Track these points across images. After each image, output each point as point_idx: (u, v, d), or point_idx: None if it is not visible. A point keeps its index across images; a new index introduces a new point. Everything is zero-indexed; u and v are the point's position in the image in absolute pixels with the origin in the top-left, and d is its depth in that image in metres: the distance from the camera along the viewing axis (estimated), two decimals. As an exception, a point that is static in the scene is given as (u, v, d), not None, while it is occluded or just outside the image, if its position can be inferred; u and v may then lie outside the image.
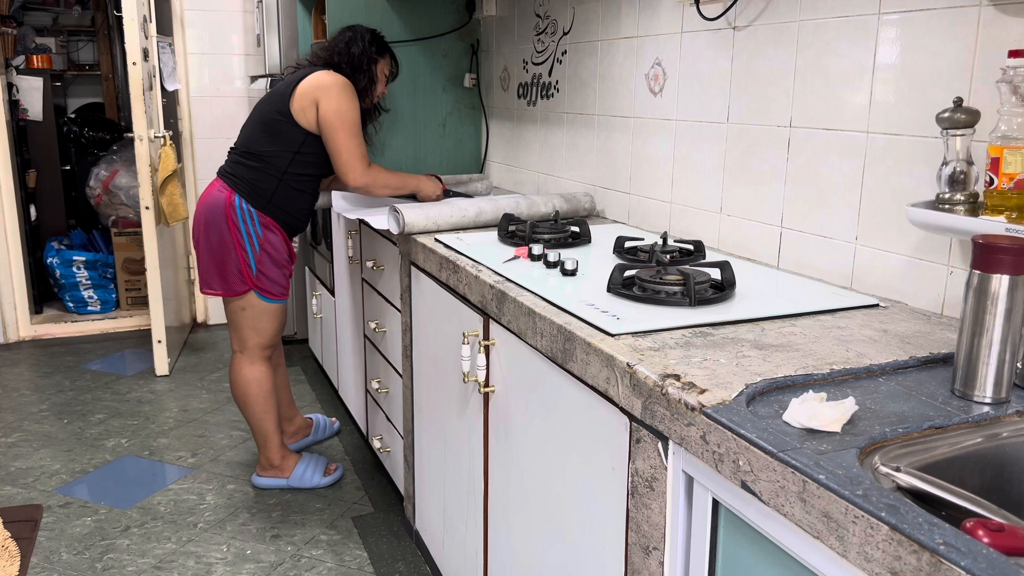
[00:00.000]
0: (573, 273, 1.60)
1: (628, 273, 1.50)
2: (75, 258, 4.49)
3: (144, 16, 3.54)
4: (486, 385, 1.65)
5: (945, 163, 1.24)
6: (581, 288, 1.50)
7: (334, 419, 3.15)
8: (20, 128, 4.41)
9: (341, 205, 2.58)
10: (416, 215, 2.07)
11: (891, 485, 0.85)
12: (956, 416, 0.96)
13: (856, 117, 1.50)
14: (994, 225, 1.14)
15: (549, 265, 1.67)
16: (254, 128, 2.45)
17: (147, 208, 3.56)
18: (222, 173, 2.48)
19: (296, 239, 2.74)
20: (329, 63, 2.46)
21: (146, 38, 3.58)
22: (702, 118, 1.91)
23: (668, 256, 1.67)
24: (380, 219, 2.25)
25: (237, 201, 2.40)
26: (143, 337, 4.19)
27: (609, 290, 1.46)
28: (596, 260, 1.74)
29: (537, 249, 1.75)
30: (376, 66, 2.51)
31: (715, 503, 0.98)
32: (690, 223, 1.99)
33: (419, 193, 2.49)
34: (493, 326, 1.61)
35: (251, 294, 2.47)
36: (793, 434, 0.89)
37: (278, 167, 2.40)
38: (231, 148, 2.50)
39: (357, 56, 2.47)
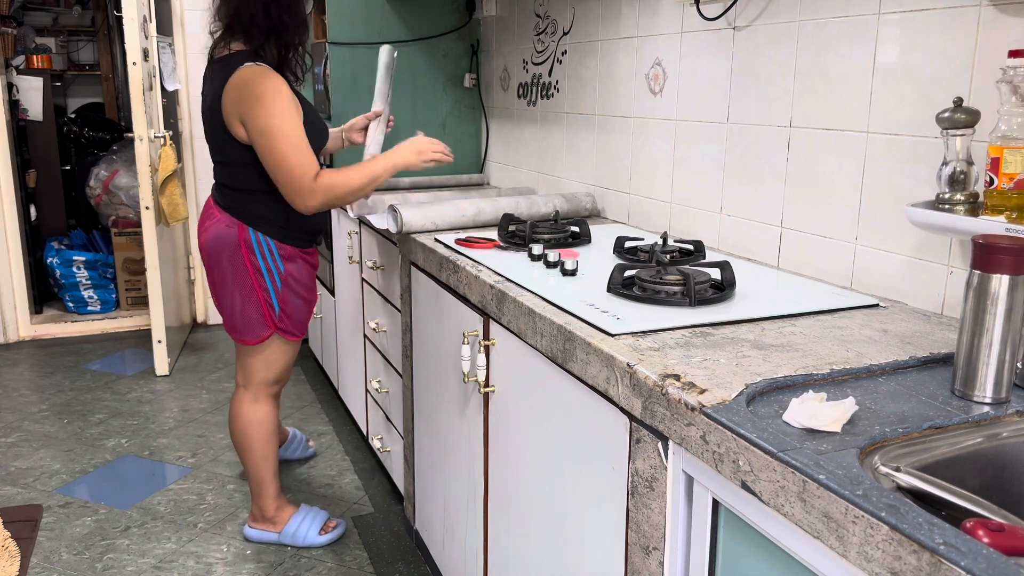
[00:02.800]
0: (573, 273, 1.60)
1: (628, 273, 1.50)
2: (75, 258, 4.49)
3: (144, 16, 3.54)
4: (486, 385, 1.65)
5: (945, 163, 1.24)
6: (581, 288, 1.50)
7: (311, 442, 2.93)
8: (20, 128, 4.41)
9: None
10: (415, 215, 2.07)
11: (891, 485, 0.85)
12: (956, 416, 0.96)
13: (856, 117, 1.50)
14: (994, 225, 1.14)
15: (549, 265, 1.67)
16: (219, 158, 2.13)
17: (147, 208, 3.56)
18: (222, 205, 2.15)
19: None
20: (235, 28, 2.02)
21: (146, 38, 3.58)
22: (702, 118, 1.91)
23: (668, 256, 1.67)
24: (380, 219, 2.25)
25: (252, 235, 2.10)
26: (143, 337, 4.19)
27: (609, 290, 1.46)
28: (596, 260, 1.74)
29: (537, 249, 1.75)
30: (294, 16, 2.05)
31: (715, 503, 0.98)
32: (690, 223, 1.99)
33: (408, 166, 2.11)
34: (493, 326, 1.61)
35: (273, 338, 2.22)
36: (793, 434, 0.89)
37: (265, 188, 2.07)
38: (216, 179, 2.18)
39: (273, 14, 2.01)
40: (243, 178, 2.08)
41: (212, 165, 2.17)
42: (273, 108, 1.94)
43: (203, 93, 2.12)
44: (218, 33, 2.07)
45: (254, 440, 2.31)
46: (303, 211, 2.01)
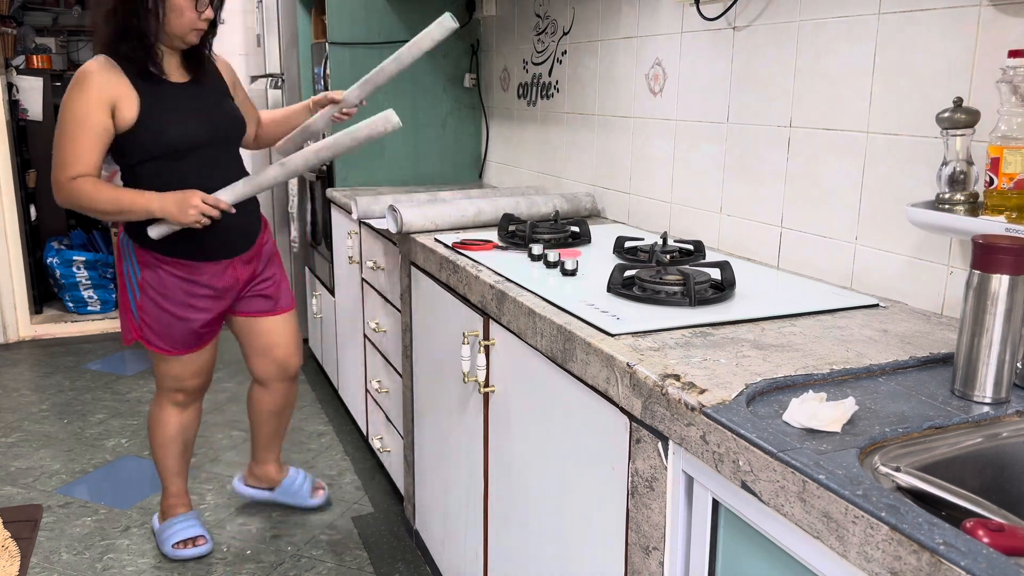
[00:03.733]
0: (573, 273, 1.60)
1: (628, 273, 1.50)
2: (75, 258, 4.49)
3: (144, 16, 3.54)
4: (486, 385, 1.65)
5: (945, 163, 1.24)
6: (581, 288, 1.50)
7: (320, 488, 2.57)
8: (20, 128, 4.41)
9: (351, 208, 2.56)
10: (415, 215, 2.08)
11: (891, 485, 0.85)
12: (956, 416, 0.96)
13: (856, 117, 1.50)
14: (994, 225, 1.14)
15: (549, 265, 1.67)
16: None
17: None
18: None
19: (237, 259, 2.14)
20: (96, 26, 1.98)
21: (146, 38, 3.57)
22: (702, 118, 1.91)
23: (668, 256, 1.67)
24: (380, 219, 2.25)
25: (124, 237, 2.07)
26: (143, 337, 4.19)
27: (609, 290, 1.46)
28: (596, 260, 1.74)
29: (537, 249, 1.75)
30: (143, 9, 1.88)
31: (715, 503, 0.98)
32: (690, 223, 1.99)
33: (168, 217, 1.93)
34: (493, 326, 1.61)
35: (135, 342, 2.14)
36: (793, 434, 0.89)
37: (127, 183, 2.00)
38: None
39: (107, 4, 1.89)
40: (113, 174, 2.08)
41: None
42: (67, 98, 1.90)
43: None
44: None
45: (152, 439, 2.30)
46: (58, 203, 1.95)
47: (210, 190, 1.98)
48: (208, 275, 2.09)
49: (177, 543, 2.27)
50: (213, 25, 2.00)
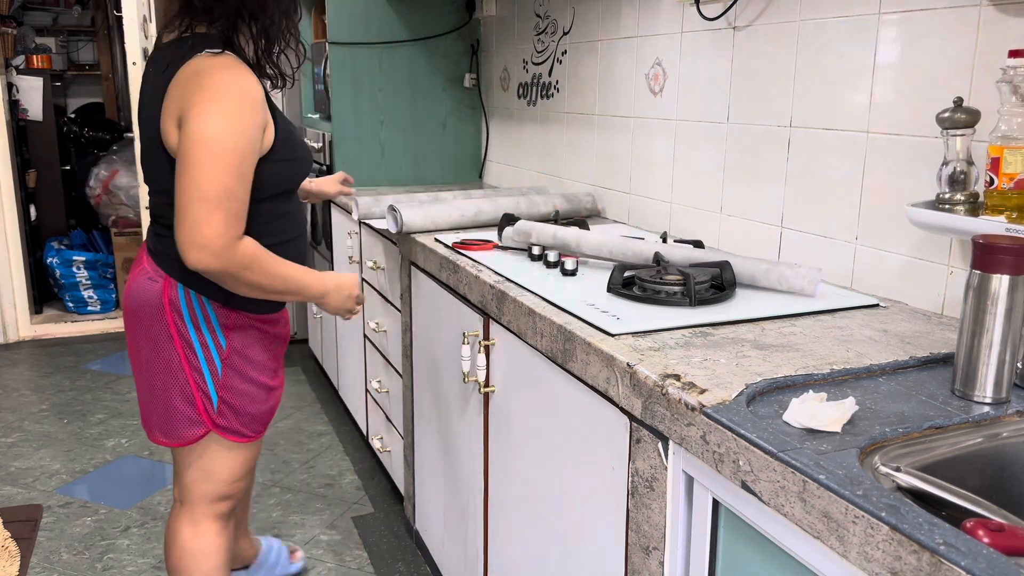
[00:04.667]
0: (573, 273, 1.60)
1: (628, 273, 1.50)
2: (75, 258, 4.49)
3: (144, 16, 3.54)
4: (486, 385, 1.65)
5: (945, 163, 1.24)
6: (581, 288, 1.50)
7: (297, 553, 2.19)
8: (20, 128, 4.41)
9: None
10: (415, 214, 2.08)
11: (891, 485, 0.85)
12: (956, 416, 0.96)
13: (856, 117, 1.50)
14: (994, 225, 1.14)
15: (549, 265, 1.67)
16: (151, 189, 1.53)
17: (147, 208, 3.56)
18: (153, 251, 1.55)
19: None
20: (206, 12, 1.45)
21: (146, 38, 3.58)
22: (702, 118, 1.91)
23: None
24: (381, 220, 2.25)
25: (181, 294, 1.50)
26: (143, 337, 4.19)
27: (609, 290, 1.46)
28: (596, 260, 1.74)
29: (537, 249, 1.75)
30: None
31: (715, 503, 0.98)
32: (690, 223, 1.99)
33: (323, 306, 1.62)
34: (493, 326, 1.61)
35: (209, 438, 1.58)
36: (793, 434, 0.89)
37: None
38: (151, 214, 1.56)
39: None
40: (169, 202, 1.44)
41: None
42: (222, 113, 1.35)
43: (142, 92, 1.53)
44: (171, 13, 1.48)
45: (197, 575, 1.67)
46: (190, 264, 1.36)
47: (304, 236, 1.65)
48: (283, 323, 1.67)
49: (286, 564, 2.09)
50: None
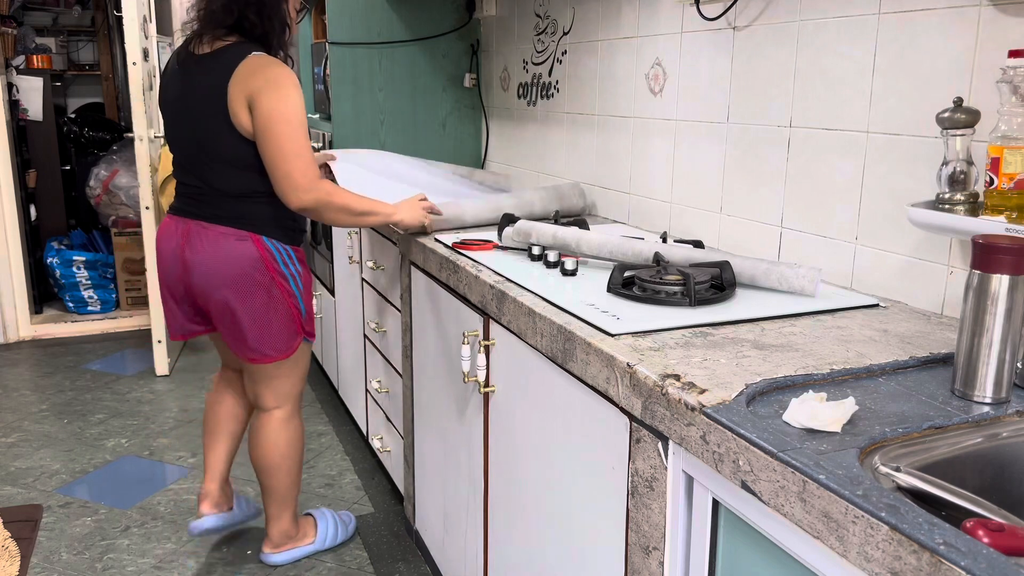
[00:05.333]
0: (573, 273, 1.60)
1: (628, 273, 1.50)
2: (75, 258, 4.49)
3: (144, 16, 3.54)
4: (486, 385, 1.65)
5: (945, 163, 1.24)
6: (581, 288, 1.50)
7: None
8: (20, 128, 4.41)
9: None
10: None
11: (891, 485, 0.85)
12: (956, 416, 0.96)
13: (856, 117, 1.50)
14: (994, 225, 1.14)
15: (549, 265, 1.67)
16: (207, 160, 1.90)
17: (147, 208, 3.56)
18: (222, 218, 1.91)
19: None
20: (236, 27, 1.88)
21: (146, 38, 3.58)
22: (702, 118, 1.91)
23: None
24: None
25: (271, 245, 1.94)
26: (143, 337, 4.19)
27: (609, 290, 1.46)
28: (596, 260, 1.74)
29: (537, 249, 1.75)
30: (287, 4, 1.95)
31: (715, 503, 0.98)
32: (690, 223, 1.99)
33: (399, 224, 2.01)
34: (493, 326, 1.61)
35: (300, 343, 2.07)
36: (793, 434, 0.89)
37: (270, 190, 1.90)
38: (201, 188, 1.92)
39: (264, 3, 1.88)
40: (246, 180, 1.89)
41: (186, 173, 1.95)
42: (288, 95, 1.82)
43: (187, 89, 1.90)
44: (199, 27, 1.91)
45: (294, 460, 2.17)
46: (294, 205, 1.85)
47: None
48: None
49: (344, 527, 2.38)
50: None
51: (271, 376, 2.07)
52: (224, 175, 1.91)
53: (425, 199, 2.05)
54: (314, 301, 2.22)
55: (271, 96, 1.80)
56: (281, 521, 2.21)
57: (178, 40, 4.21)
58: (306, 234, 2.18)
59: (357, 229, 2.66)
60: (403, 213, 1.99)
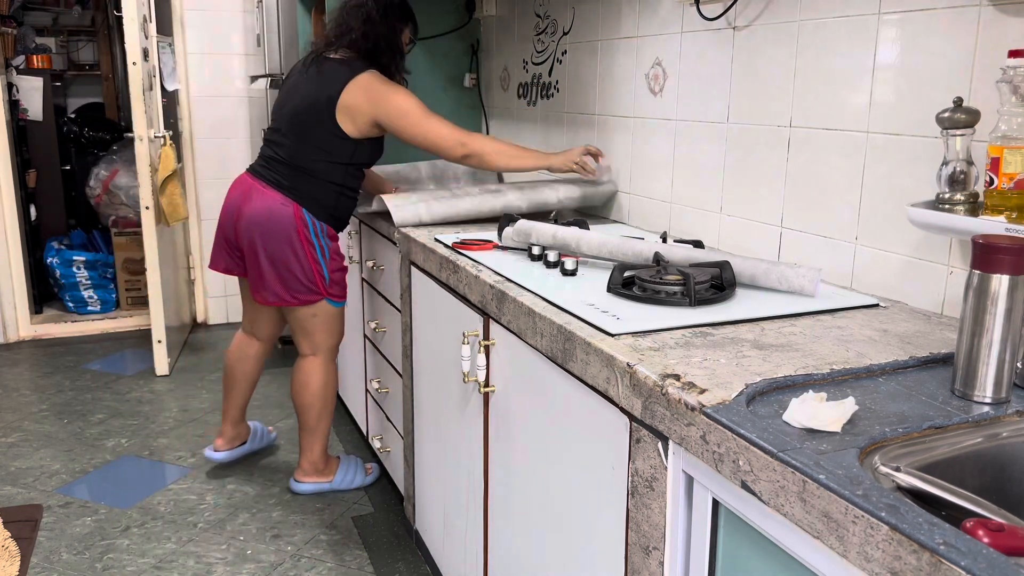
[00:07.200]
0: (573, 273, 1.60)
1: (628, 273, 1.50)
2: (75, 258, 4.49)
3: (144, 16, 3.54)
4: (486, 385, 1.65)
5: (945, 163, 1.24)
6: (581, 288, 1.50)
7: (271, 428, 3.05)
8: (20, 128, 4.41)
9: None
10: (408, 214, 2.08)
11: (891, 485, 0.85)
12: (956, 416, 0.96)
13: (856, 117, 1.50)
14: (994, 225, 1.14)
15: (549, 265, 1.67)
16: (300, 141, 2.31)
17: (147, 208, 3.56)
18: (275, 184, 2.34)
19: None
20: (353, 50, 2.32)
21: (146, 38, 3.58)
22: (702, 118, 1.91)
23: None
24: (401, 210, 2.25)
25: (307, 216, 2.32)
26: (143, 337, 4.19)
27: (609, 290, 1.46)
28: (596, 260, 1.74)
29: (537, 249, 1.75)
30: (402, 36, 2.38)
31: (715, 503, 0.98)
32: (690, 223, 1.99)
33: (554, 166, 2.30)
34: (493, 326, 1.61)
35: (322, 302, 2.41)
36: (793, 434, 0.89)
37: (335, 180, 2.32)
38: (274, 157, 2.36)
39: (380, 33, 2.31)
40: (320, 164, 2.30)
41: (271, 141, 2.37)
42: (399, 98, 2.24)
43: (310, 77, 2.33)
44: (335, 39, 2.36)
45: (327, 400, 2.55)
46: (458, 157, 2.25)
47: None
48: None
49: (365, 474, 2.71)
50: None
51: (301, 325, 2.46)
52: (299, 150, 2.32)
53: (591, 150, 2.30)
54: (346, 277, 2.52)
55: (392, 101, 2.24)
56: (311, 453, 2.60)
57: (182, 40, 4.20)
58: (347, 220, 2.46)
59: (358, 229, 2.67)
60: (556, 159, 2.29)
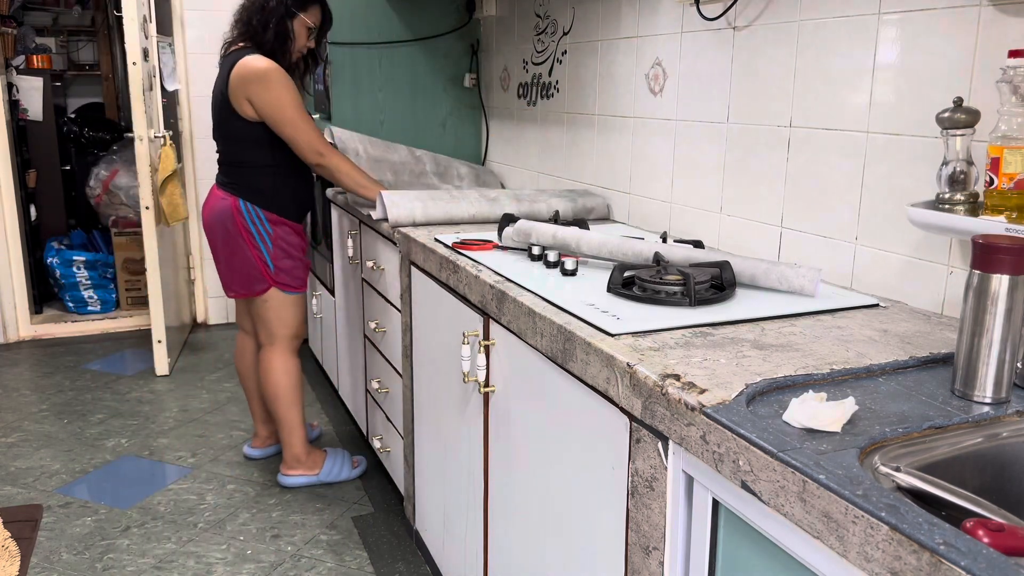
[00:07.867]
0: (573, 273, 1.60)
1: (628, 273, 1.50)
2: (75, 258, 4.49)
3: (144, 16, 3.54)
4: (486, 385, 1.65)
5: (945, 163, 1.24)
6: (581, 288, 1.50)
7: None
8: (20, 128, 4.41)
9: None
10: (402, 212, 2.09)
11: (891, 485, 0.85)
12: (956, 416, 0.96)
13: (856, 117, 1.50)
14: (994, 225, 1.14)
15: (549, 265, 1.67)
16: (219, 137, 2.48)
17: (147, 208, 3.56)
18: (221, 184, 2.51)
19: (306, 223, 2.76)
20: (246, 32, 2.41)
21: (146, 38, 3.58)
22: (702, 118, 1.91)
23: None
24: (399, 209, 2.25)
25: (242, 205, 2.44)
26: (143, 337, 4.19)
27: (609, 290, 1.46)
28: (596, 260, 1.74)
29: (537, 249, 1.75)
30: (292, 21, 2.41)
31: (715, 503, 0.98)
32: (690, 223, 1.99)
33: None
34: (493, 326, 1.61)
35: (272, 290, 2.51)
36: (793, 434, 0.89)
37: (263, 163, 2.43)
38: (219, 160, 2.53)
39: (269, 15, 2.38)
40: (241, 152, 2.43)
41: (217, 147, 2.52)
42: (275, 89, 2.32)
43: (216, 81, 2.47)
44: (235, 32, 2.48)
45: (285, 388, 2.60)
46: (314, 166, 2.40)
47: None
48: (302, 232, 2.61)
49: (352, 467, 2.74)
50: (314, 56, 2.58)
51: (261, 317, 2.57)
52: (226, 148, 2.48)
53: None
54: (308, 266, 2.63)
55: (258, 95, 2.33)
56: (291, 446, 2.65)
57: (182, 40, 4.20)
58: (299, 208, 2.56)
59: (358, 229, 2.66)
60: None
